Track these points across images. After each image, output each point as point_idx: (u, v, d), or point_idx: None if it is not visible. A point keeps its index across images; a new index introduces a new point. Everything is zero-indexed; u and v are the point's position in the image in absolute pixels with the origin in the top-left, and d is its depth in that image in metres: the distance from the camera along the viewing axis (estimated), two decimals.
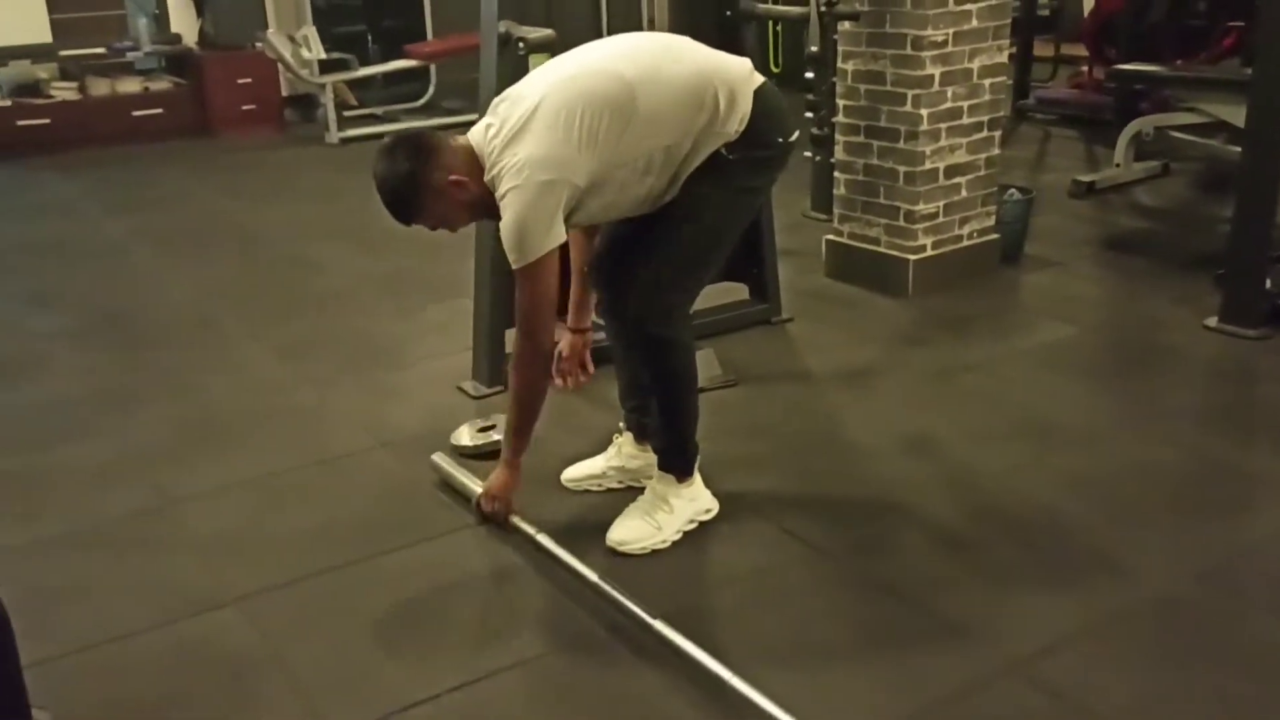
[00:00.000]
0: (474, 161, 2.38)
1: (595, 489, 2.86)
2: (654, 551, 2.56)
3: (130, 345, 4.04)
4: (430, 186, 2.36)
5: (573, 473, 2.89)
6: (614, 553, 2.54)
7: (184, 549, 2.68)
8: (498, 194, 2.32)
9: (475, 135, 2.41)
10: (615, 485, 2.85)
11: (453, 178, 2.36)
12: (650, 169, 2.39)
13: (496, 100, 2.44)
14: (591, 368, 2.82)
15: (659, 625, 2.21)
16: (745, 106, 2.40)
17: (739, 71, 2.44)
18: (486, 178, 2.36)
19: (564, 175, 2.29)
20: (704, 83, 2.37)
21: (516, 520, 2.61)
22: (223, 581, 2.52)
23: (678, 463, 2.63)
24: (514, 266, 2.33)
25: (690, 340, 2.55)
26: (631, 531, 2.57)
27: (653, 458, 2.78)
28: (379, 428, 3.29)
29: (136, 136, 7.38)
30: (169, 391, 3.61)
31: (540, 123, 2.30)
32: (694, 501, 2.65)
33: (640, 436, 2.82)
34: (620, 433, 2.87)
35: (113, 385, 3.69)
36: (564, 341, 2.77)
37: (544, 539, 2.55)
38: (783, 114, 2.49)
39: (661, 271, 2.45)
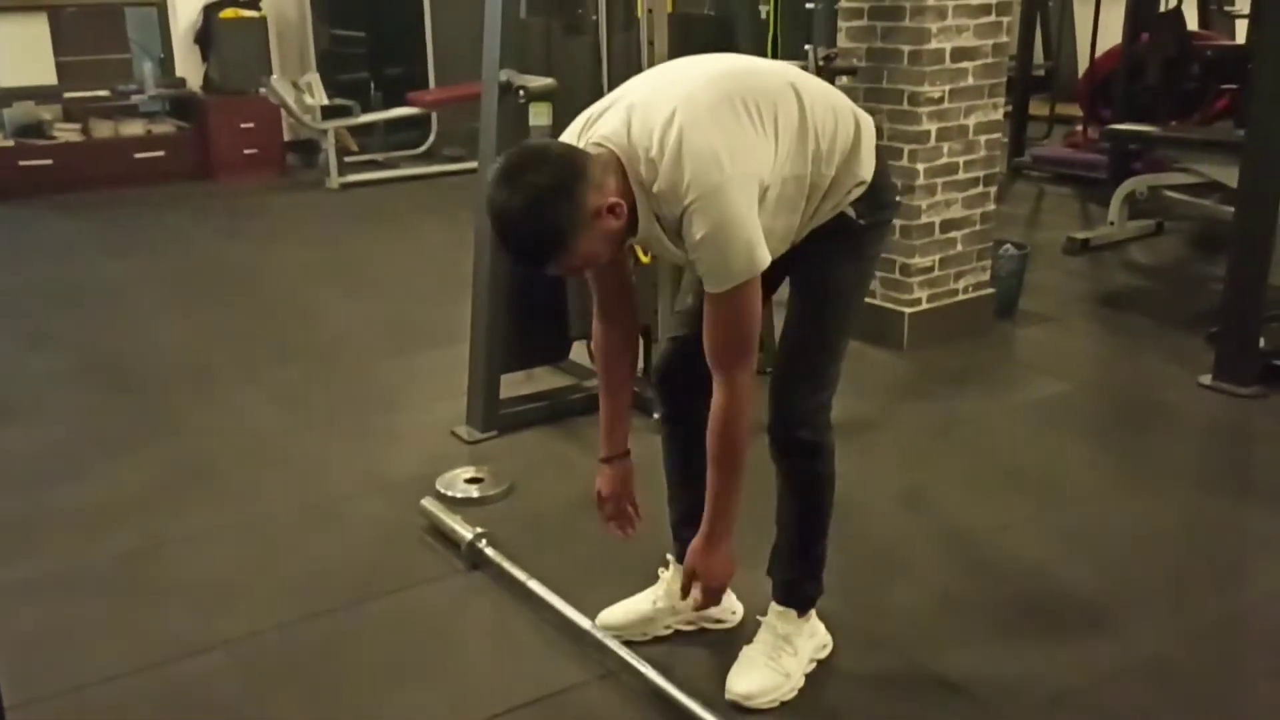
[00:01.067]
0: (622, 171, 1.88)
1: (641, 639, 2.37)
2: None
3: (125, 388, 4.03)
4: (584, 214, 1.81)
5: (614, 618, 2.39)
6: (738, 707, 2.15)
7: (173, 592, 2.66)
8: (685, 202, 1.84)
9: (613, 136, 1.90)
10: (663, 632, 2.40)
11: (610, 200, 1.85)
12: (798, 194, 2.00)
13: (602, 107, 1.99)
14: (637, 505, 2.31)
15: (650, 673, 2.19)
16: (873, 152, 2.09)
17: (865, 113, 2.13)
18: (655, 187, 1.87)
19: (757, 168, 1.89)
20: (846, 106, 2.08)
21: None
22: (211, 625, 2.49)
23: (806, 596, 2.27)
24: (721, 289, 1.88)
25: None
26: (758, 683, 2.17)
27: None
28: (372, 472, 3.28)
29: (138, 179, 7.42)
30: (162, 434, 3.60)
31: (710, 111, 1.87)
32: (814, 638, 2.30)
33: None
34: (668, 565, 2.44)
35: (106, 427, 3.67)
36: (603, 477, 2.27)
37: (535, 585, 2.53)
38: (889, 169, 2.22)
39: (811, 363, 2.11)
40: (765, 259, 1.87)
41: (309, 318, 4.81)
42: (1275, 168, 3.60)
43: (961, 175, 4.20)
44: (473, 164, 3.49)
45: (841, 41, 4.22)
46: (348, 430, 3.59)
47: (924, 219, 4.14)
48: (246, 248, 6.06)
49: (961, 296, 4.34)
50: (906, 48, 3.99)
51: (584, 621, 2.37)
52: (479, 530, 2.72)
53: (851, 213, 2.07)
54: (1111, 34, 7.06)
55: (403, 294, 5.08)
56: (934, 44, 3.96)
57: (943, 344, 4.21)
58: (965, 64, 4.07)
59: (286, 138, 8.04)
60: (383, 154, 8.17)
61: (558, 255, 1.84)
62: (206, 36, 7.83)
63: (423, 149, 8.26)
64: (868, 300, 4.20)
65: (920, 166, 4.07)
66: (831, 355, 2.15)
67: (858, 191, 2.06)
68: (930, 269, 4.22)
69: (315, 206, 7.09)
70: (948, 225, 4.21)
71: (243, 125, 7.71)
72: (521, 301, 3.50)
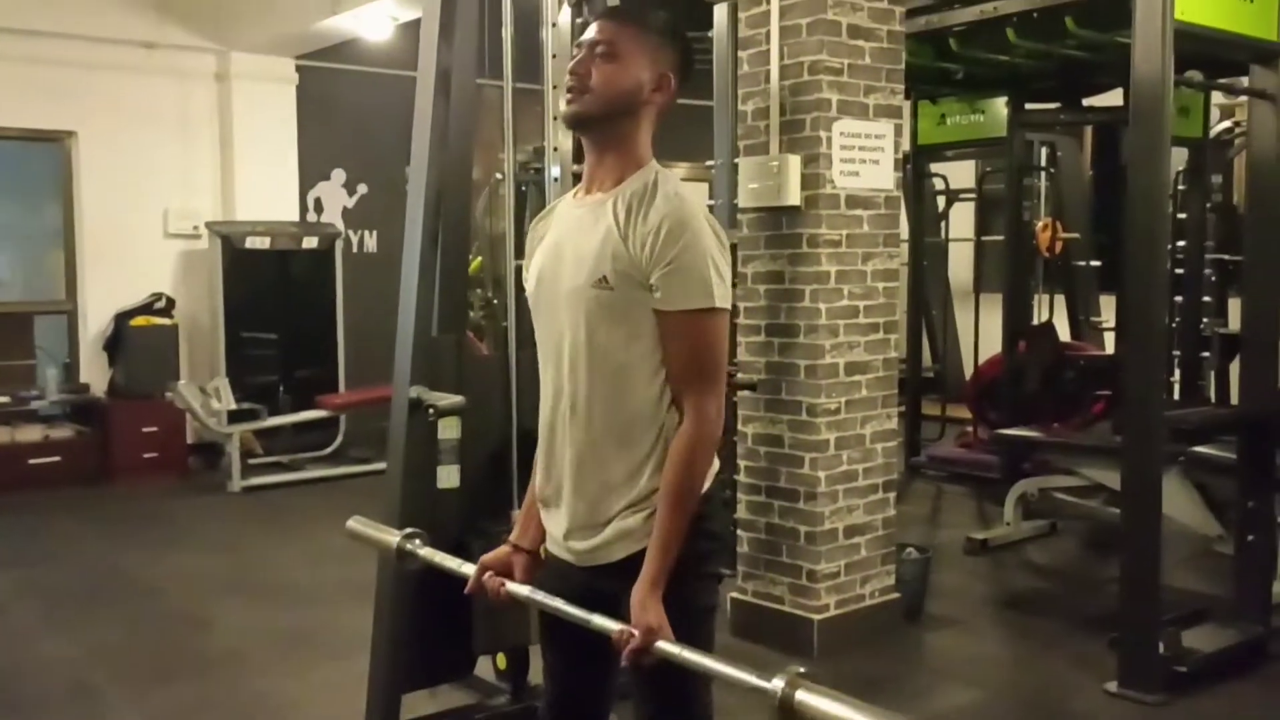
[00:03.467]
0: (648, 135, 2.05)
1: None
2: None
3: None
4: (668, 45, 2.03)
5: None
6: None
7: None
8: (670, 193, 1.94)
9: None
10: None
11: (672, 77, 2.02)
12: (660, 379, 1.97)
13: None
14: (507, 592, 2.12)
15: None
16: (717, 461, 2.05)
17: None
18: (650, 165, 2.02)
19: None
20: None
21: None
22: None
23: None
24: (686, 307, 1.90)
25: None
26: None
27: None
28: None
29: (32, 484, 7.20)
30: None
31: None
32: None
33: None
34: None
35: None
36: (498, 553, 2.17)
37: None
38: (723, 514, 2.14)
39: None
40: (729, 292, 1.92)
41: (201, 630, 4.61)
42: (1151, 476, 3.77)
43: (861, 482, 4.32)
44: (380, 465, 3.49)
45: (741, 356, 4.42)
46: None
47: (827, 525, 4.21)
48: (140, 556, 5.85)
49: (869, 602, 4.37)
50: (803, 362, 4.20)
51: None
52: None
53: None
54: (992, 339, 7.52)
55: (301, 603, 4.92)
56: (828, 359, 4.18)
57: (853, 650, 4.19)
58: (859, 377, 4.28)
59: (190, 440, 7.97)
60: (288, 455, 8.10)
61: (644, 26, 2.01)
62: (116, 343, 7.88)
63: (330, 450, 8.24)
64: (777, 606, 4.27)
65: (821, 474, 4.19)
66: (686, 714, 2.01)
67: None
68: (836, 574, 4.26)
69: (216, 511, 6.94)
70: (851, 531, 4.29)
71: (145, 429, 7.64)
72: (425, 614, 3.41)
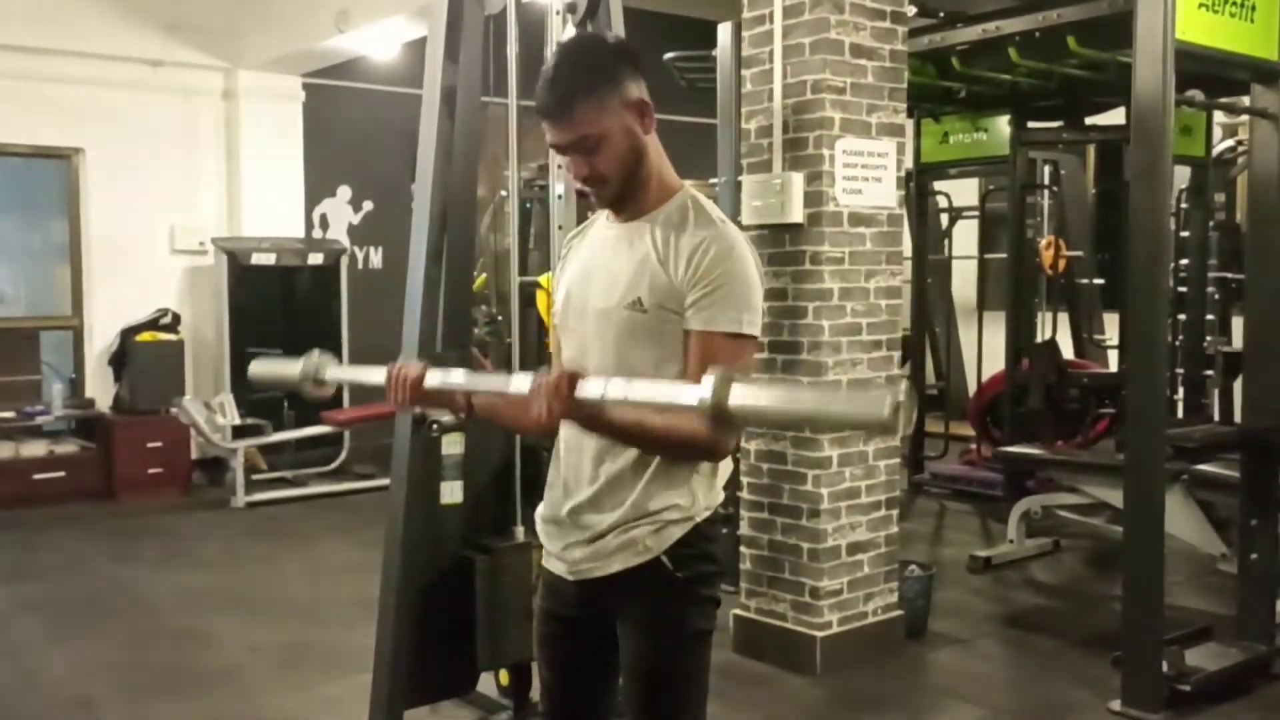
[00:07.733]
0: (654, 148, 2.01)
1: None
2: None
3: None
4: (620, 79, 1.94)
5: None
6: None
7: None
8: (715, 216, 1.96)
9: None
10: None
11: (646, 99, 1.97)
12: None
13: None
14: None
15: None
16: (726, 474, 2.07)
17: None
18: (683, 190, 2.02)
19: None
20: None
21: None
22: None
23: None
24: (719, 329, 1.90)
25: None
26: None
27: None
28: None
29: (36, 500, 7.21)
30: None
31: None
32: None
33: None
34: None
35: None
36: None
37: None
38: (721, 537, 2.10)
39: None
40: (759, 321, 1.93)
41: (203, 646, 4.61)
42: (1153, 493, 3.77)
43: (864, 499, 4.32)
44: (384, 481, 3.51)
45: None
46: None
47: (830, 542, 4.21)
48: (143, 571, 5.85)
49: (872, 619, 4.36)
50: (806, 379, 4.20)
51: None
52: None
53: (668, 562, 1.97)
54: (995, 356, 7.53)
55: (304, 619, 4.93)
56: (831, 376, 4.18)
57: (856, 668, 4.18)
58: None
59: (194, 455, 7.98)
60: (292, 471, 8.11)
61: (585, 98, 1.91)
62: (122, 358, 7.89)
63: (333, 466, 8.24)
64: (779, 623, 4.27)
65: (824, 491, 4.19)
66: None
67: (677, 525, 1.98)
68: (839, 592, 4.25)
69: (218, 526, 6.94)
70: (854, 548, 4.29)
71: (150, 444, 7.64)
72: (428, 628, 3.42)
